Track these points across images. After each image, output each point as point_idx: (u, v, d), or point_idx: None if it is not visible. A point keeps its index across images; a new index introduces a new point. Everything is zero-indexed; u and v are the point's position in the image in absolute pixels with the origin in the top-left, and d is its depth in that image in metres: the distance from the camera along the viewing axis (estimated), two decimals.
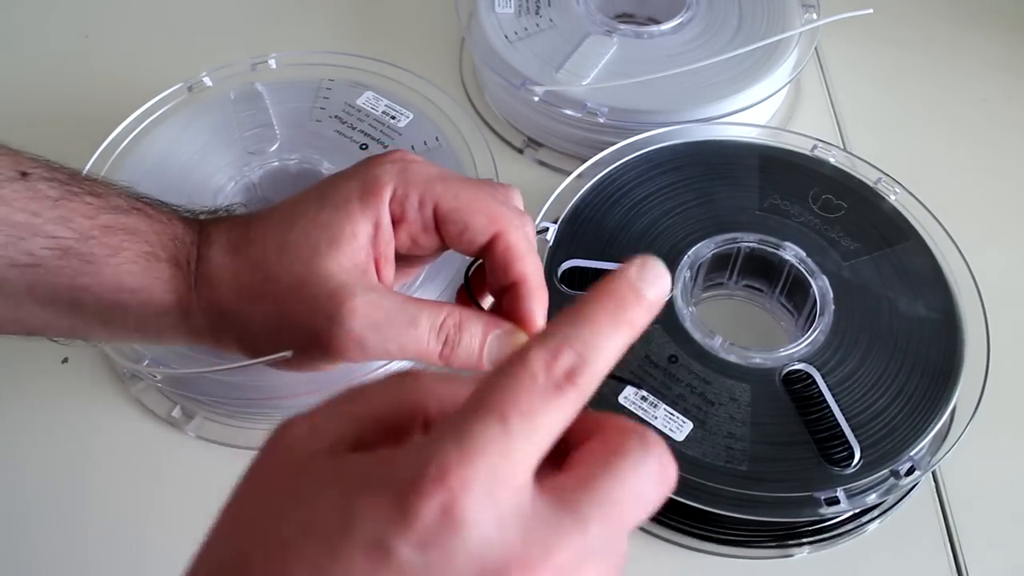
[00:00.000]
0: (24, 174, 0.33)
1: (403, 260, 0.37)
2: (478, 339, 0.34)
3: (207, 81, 0.56)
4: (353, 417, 0.23)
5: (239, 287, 0.34)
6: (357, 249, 0.34)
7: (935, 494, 0.45)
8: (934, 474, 0.46)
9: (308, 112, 0.54)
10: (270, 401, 0.45)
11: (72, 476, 0.45)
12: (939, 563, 0.43)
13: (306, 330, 0.33)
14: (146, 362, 0.44)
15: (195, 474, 0.45)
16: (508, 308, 0.35)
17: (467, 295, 0.38)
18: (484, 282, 0.37)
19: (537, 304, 0.35)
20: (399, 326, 0.33)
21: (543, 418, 0.21)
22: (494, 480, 0.20)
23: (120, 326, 0.36)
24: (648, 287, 0.25)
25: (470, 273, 0.38)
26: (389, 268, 0.35)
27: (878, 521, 0.44)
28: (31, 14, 0.69)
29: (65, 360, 0.50)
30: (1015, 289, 0.52)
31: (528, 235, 0.35)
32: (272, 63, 0.57)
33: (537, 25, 0.60)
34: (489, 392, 0.21)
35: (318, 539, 0.20)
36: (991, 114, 0.63)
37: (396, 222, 0.35)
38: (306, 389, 0.44)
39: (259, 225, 0.35)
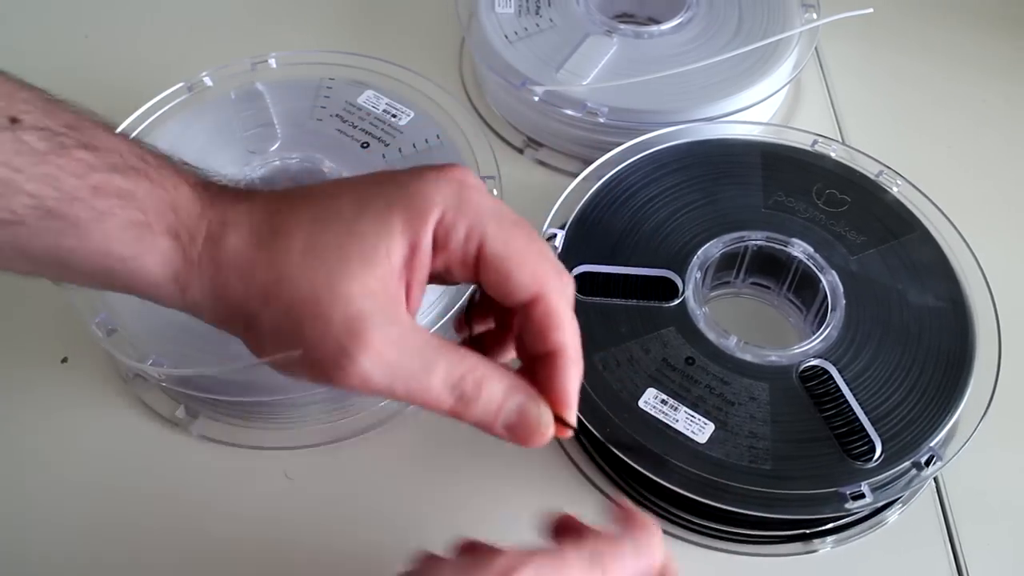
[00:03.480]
0: (14, 120, 0.30)
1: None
2: (496, 402, 0.31)
3: (207, 81, 0.56)
4: None
5: (251, 282, 0.31)
6: (389, 272, 0.31)
7: (935, 494, 0.45)
8: (935, 476, 0.46)
9: (309, 111, 0.54)
10: (275, 400, 0.45)
11: (74, 477, 0.45)
12: (939, 563, 0.43)
13: (313, 348, 0.30)
14: (150, 361, 0.44)
15: (199, 474, 0.45)
16: (539, 377, 0.33)
17: (464, 322, 0.36)
18: (487, 310, 0.36)
19: (572, 379, 0.32)
20: (411, 372, 0.30)
21: None
22: None
23: (111, 288, 0.33)
24: None
25: (475, 299, 0.36)
26: (419, 293, 0.33)
27: (882, 522, 0.44)
28: (31, 15, 0.69)
29: (65, 360, 0.50)
30: (1021, 274, 0.53)
31: (570, 299, 0.33)
32: (272, 63, 0.57)
33: (537, 25, 0.61)
34: None
35: None
36: (991, 114, 0.63)
37: (436, 248, 0.32)
38: (311, 389, 0.44)
39: (287, 214, 0.32)
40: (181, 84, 0.55)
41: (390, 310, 0.31)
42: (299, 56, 0.58)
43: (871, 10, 0.58)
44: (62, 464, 0.46)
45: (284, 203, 0.32)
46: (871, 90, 0.65)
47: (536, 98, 0.56)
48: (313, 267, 0.30)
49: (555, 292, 0.32)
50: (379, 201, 0.31)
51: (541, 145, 0.60)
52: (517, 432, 0.32)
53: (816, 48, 0.65)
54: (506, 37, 0.60)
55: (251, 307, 0.31)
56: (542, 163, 0.60)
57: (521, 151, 0.60)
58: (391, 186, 0.32)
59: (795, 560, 0.43)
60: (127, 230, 0.31)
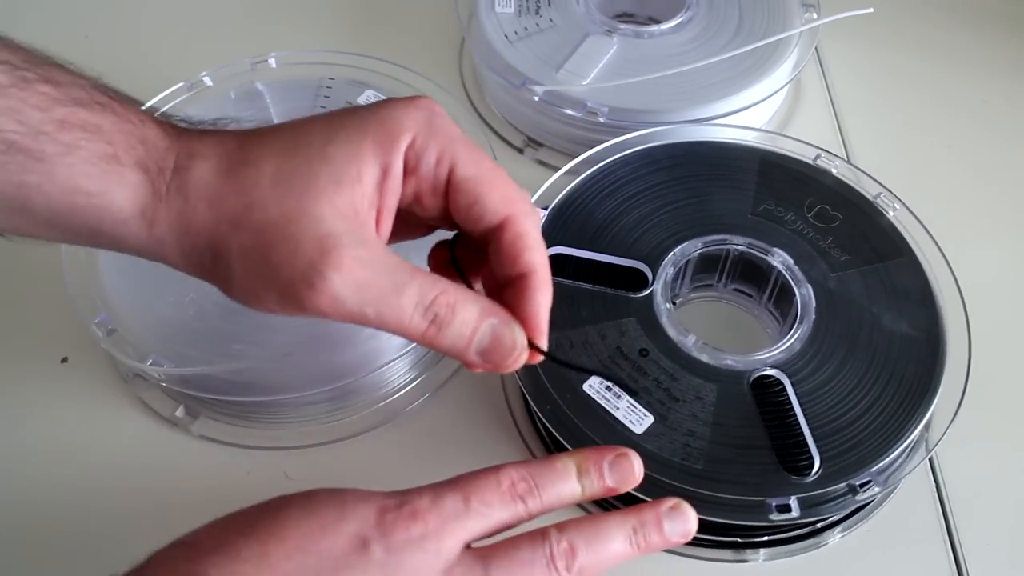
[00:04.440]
0: None
1: (396, 224, 0.34)
2: (471, 325, 0.31)
3: (207, 81, 0.56)
4: None
5: (220, 210, 0.31)
6: (360, 194, 0.31)
7: (935, 493, 0.45)
8: (934, 474, 0.46)
9: (309, 111, 0.54)
10: (275, 400, 0.45)
11: (74, 477, 0.45)
12: (940, 564, 0.43)
13: (283, 271, 0.30)
14: (150, 361, 0.44)
15: (199, 474, 0.45)
16: (508, 302, 0.33)
17: (454, 269, 0.35)
18: (469, 260, 0.35)
19: (543, 302, 0.33)
20: (383, 292, 0.30)
21: (495, 512, 0.31)
22: (443, 532, 0.30)
23: (71, 231, 0.32)
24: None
25: (455, 247, 0.35)
26: (389, 222, 0.32)
27: (820, 543, 0.43)
28: (31, 14, 0.69)
29: (65, 360, 0.50)
30: (1004, 317, 0.52)
31: (537, 224, 0.33)
32: (272, 62, 0.57)
33: (537, 25, 0.61)
34: (466, 480, 0.31)
35: (317, 521, 0.29)
36: (991, 114, 0.63)
37: (406, 173, 0.32)
38: (312, 388, 0.45)
39: (256, 146, 0.32)
40: (181, 84, 0.55)
41: (361, 231, 0.30)
42: (299, 56, 0.58)
43: (871, 10, 0.58)
44: (62, 464, 0.46)
45: (252, 136, 0.32)
46: (871, 90, 0.65)
47: (536, 98, 0.56)
48: (283, 191, 0.30)
49: (525, 214, 0.32)
50: (350, 127, 0.31)
51: (541, 145, 0.60)
52: (491, 356, 0.32)
53: (816, 48, 0.65)
54: (506, 37, 0.60)
55: (219, 234, 0.31)
56: (542, 163, 0.60)
57: (521, 151, 0.60)
58: (361, 114, 0.32)
59: (723, 567, 0.43)
60: (94, 163, 0.30)
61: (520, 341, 0.32)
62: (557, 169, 0.58)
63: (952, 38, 0.68)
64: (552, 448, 0.45)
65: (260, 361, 0.43)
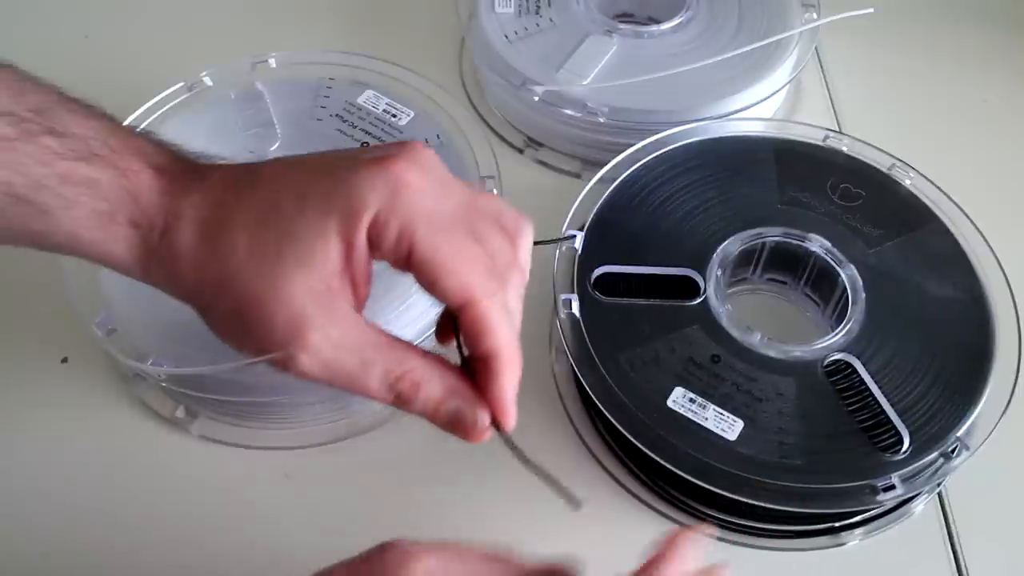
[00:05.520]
0: None
1: None
2: (433, 402, 0.33)
3: (207, 81, 0.56)
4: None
5: (203, 275, 0.33)
6: (329, 271, 0.32)
7: (937, 496, 0.45)
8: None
9: (309, 111, 0.54)
10: (275, 400, 0.45)
11: (74, 477, 0.45)
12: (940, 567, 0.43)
13: (260, 343, 0.32)
14: (150, 361, 0.44)
15: (199, 474, 0.46)
16: (478, 376, 0.33)
17: (452, 332, 0.35)
18: None
19: (506, 384, 0.33)
20: (349, 371, 0.32)
21: None
22: None
23: (80, 259, 0.35)
24: None
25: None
26: (365, 287, 0.33)
27: (907, 513, 0.44)
28: (31, 14, 0.69)
29: (65, 360, 0.50)
30: None
31: (507, 303, 0.33)
32: (272, 63, 0.57)
33: (537, 25, 0.61)
34: None
35: None
36: (992, 113, 0.63)
37: (371, 246, 0.32)
38: (312, 388, 0.44)
39: (233, 211, 0.33)
40: (181, 84, 0.55)
41: (331, 310, 0.32)
42: (299, 56, 0.58)
43: (871, 10, 0.58)
44: (62, 464, 0.46)
45: (231, 194, 0.33)
46: (871, 89, 0.65)
47: (536, 98, 0.56)
48: (256, 269, 0.32)
49: (485, 299, 0.32)
50: (317, 199, 0.32)
51: (541, 145, 0.60)
52: (454, 431, 0.33)
53: (816, 48, 0.65)
54: (506, 37, 0.60)
55: (204, 297, 0.33)
56: (542, 163, 0.60)
57: (521, 151, 0.60)
58: (331, 182, 0.32)
59: (798, 560, 0.43)
60: (93, 218, 0.32)
61: (481, 422, 0.33)
62: (558, 170, 0.59)
63: (952, 38, 0.68)
64: (626, 458, 0.45)
65: (256, 361, 0.43)
